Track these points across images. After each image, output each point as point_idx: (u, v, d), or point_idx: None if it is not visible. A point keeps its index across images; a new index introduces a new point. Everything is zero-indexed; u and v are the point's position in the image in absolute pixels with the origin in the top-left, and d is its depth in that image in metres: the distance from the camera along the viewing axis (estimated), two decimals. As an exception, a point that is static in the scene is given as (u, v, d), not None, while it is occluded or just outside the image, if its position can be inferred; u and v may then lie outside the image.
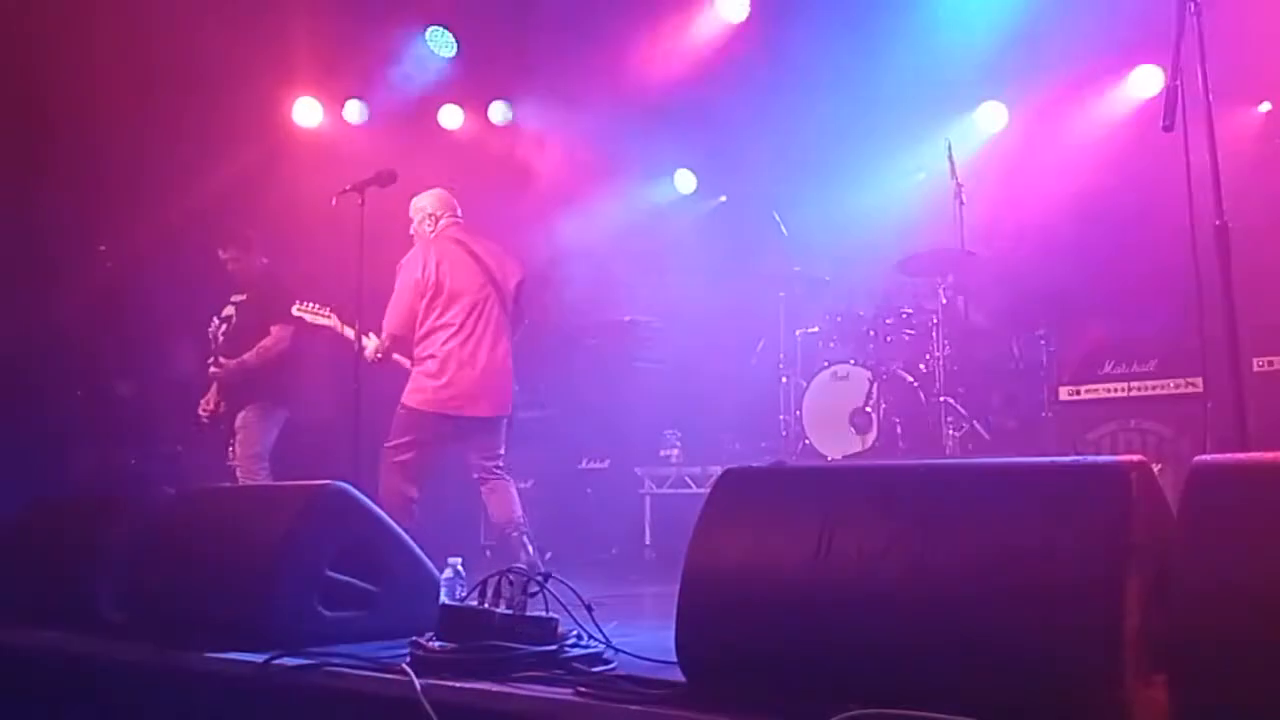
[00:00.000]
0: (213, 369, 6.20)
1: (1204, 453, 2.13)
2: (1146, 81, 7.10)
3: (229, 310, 6.39)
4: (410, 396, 5.29)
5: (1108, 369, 5.85)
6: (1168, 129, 3.23)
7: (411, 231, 5.59)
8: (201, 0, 6.94)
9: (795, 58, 7.27)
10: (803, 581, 2.12)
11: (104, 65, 6.85)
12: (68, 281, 7.11)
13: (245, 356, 6.15)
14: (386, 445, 5.21)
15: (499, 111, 8.68)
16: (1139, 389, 5.69)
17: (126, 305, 7.66)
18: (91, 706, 3.01)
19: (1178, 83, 3.29)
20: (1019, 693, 1.85)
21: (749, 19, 7.76)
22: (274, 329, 6.19)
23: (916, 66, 6.91)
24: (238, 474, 6.05)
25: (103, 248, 7.00)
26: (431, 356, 5.30)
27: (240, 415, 6.18)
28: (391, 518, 4.88)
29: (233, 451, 6.26)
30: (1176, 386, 5.54)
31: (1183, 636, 1.75)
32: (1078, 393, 5.95)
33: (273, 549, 2.98)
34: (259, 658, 2.66)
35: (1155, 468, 2.00)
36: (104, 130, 7.31)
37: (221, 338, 6.30)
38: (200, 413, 6.30)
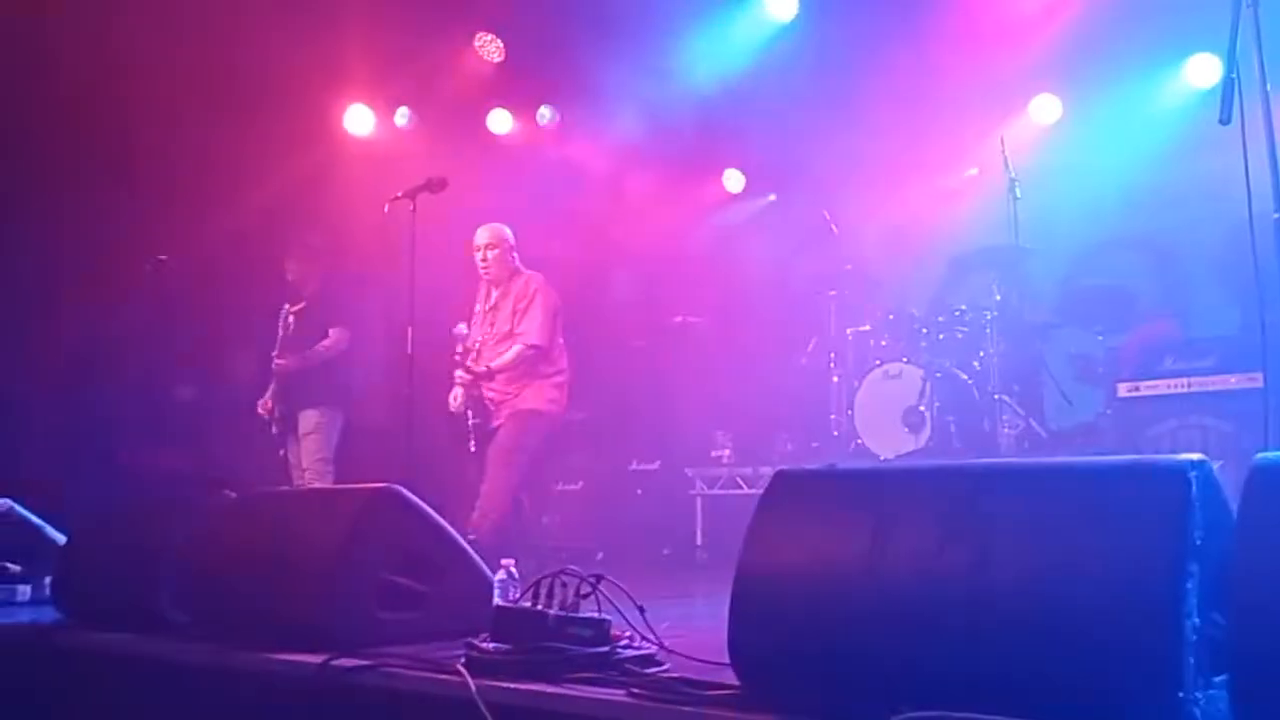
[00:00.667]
0: (277, 362, 6.36)
1: (1265, 449, 2.10)
2: (1204, 71, 6.95)
3: (290, 318, 6.53)
4: (548, 405, 6.02)
5: (1167, 364, 5.74)
6: (1224, 122, 3.18)
7: (489, 258, 6.04)
8: (254, 11, 7.04)
9: (844, 54, 7.24)
10: (856, 583, 2.11)
11: (161, 79, 6.98)
12: (129, 289, 7.24)
13: (305, 354, 6.31)
14: (512, 448, 5.83)
15: (547, 115, 8.72)
16: (1199, 384, 5.57)
17: (185, 312, 7.80)
18: (156, 706, 3.07)
19: (1234, 75, 3.23)
20: (1076, 694, 1.82)
21: (797, 17, 7.73)
22: (332, 331, 6.36)
23: (968, 60, 6.83)
24: (306, 476, 6.16)
25: (162, 256, 7.13)
26: (562, 370, 6.12)
27: (305, 419, 6.30)
28: (500, 517, 5.62)
29: (285, 453, 6.37)
30: (1237, 381, 5.42)
31: (1244, 637, 1.72)
32: (1136, 389, 5.85)
33: (331, 551, 3.02)
34: (318, 658, 2.69)
35: (1216, 465, 1.96)
36: (161, 140, 7.45)
37: (282, 342, 6.45)
38: (260, 411, 6.42)
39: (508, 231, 6.15)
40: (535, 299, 6.02)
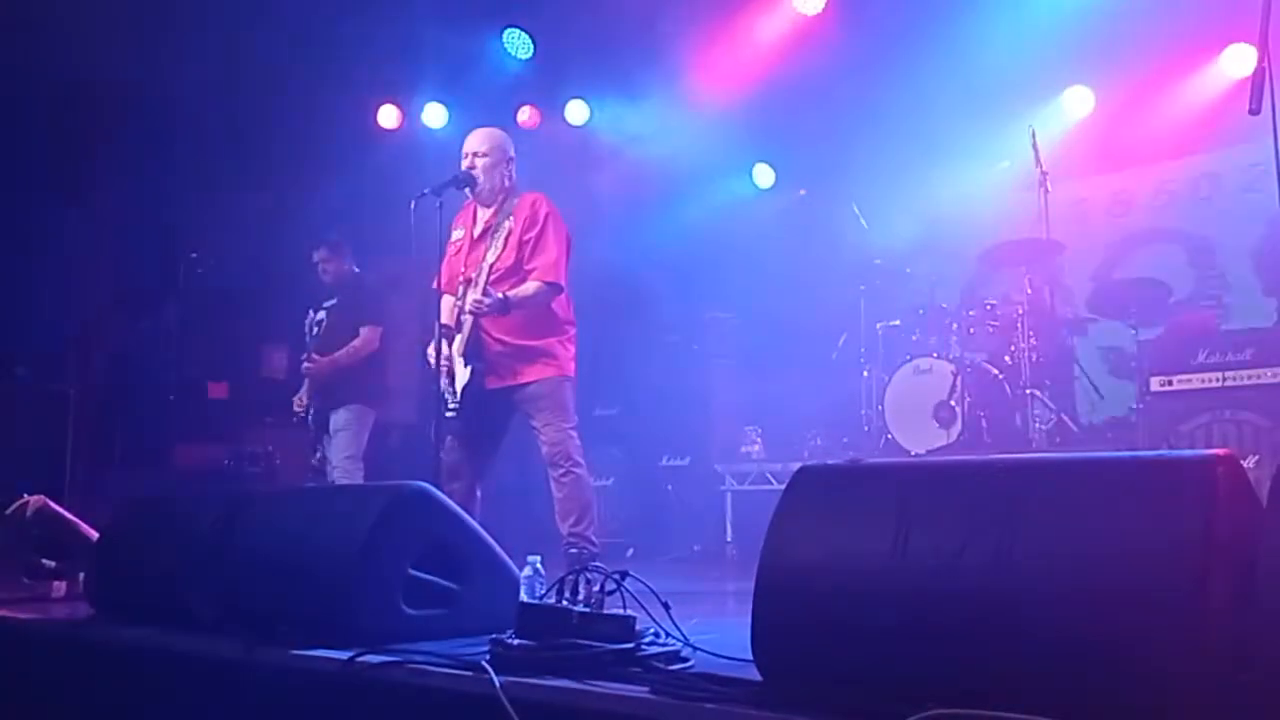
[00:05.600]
0: (306, 365, 6.39)
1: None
2: (1239, 61, 6.85)
3: (321, 315, 6.57)
4: (571, 365, 4.92)
5: (1201, 359, 5.67)
6: (1254, 112, 3.13)
7: (478, 166, 4.97)
8: (283, 7, 7.10)
9: (872, 47, 7.20)
10: (879, 579, 2.09)
11: (194, 81, 7.06)
12: (162, 288, 7.33)
13: (336, 355, 6.34)
14: (569, 425, 4.79)
15: (576, 111, 8.73)
16: (1234, 379, 5.49)
17: (218, 311, 7.88)
18: (185, 701, 3.10)
19: (1265, 64, 3.18)
20: (1101, 693, 1.81)
21: (825, 10, 7.69)
22: (363, 330, 6.39)
23: (998, 52, 6.77)
24: (336, 475, 6.18)
25: (194, 254, 7.21)
26: (573, 323, 4.99)
27: (336, 416, 6.32)
28: (591, 497, 4.80)
29: (320, 451, 6.42)
30: (1274, 376, 5.35)
31: (1271, 634, 1.70)
32: (1170, 383, 5.78)
33: (357, 548, 3.03)
34: (344, 655, 2.70)
35: (1252, 459, 1.94)
36: (195, 141, 7.53)
37: (313, 341, 6.49)
38: (295, 409, 6.47)
39: (509, 142, 5.10)
40: (547, 227, 4.86)
